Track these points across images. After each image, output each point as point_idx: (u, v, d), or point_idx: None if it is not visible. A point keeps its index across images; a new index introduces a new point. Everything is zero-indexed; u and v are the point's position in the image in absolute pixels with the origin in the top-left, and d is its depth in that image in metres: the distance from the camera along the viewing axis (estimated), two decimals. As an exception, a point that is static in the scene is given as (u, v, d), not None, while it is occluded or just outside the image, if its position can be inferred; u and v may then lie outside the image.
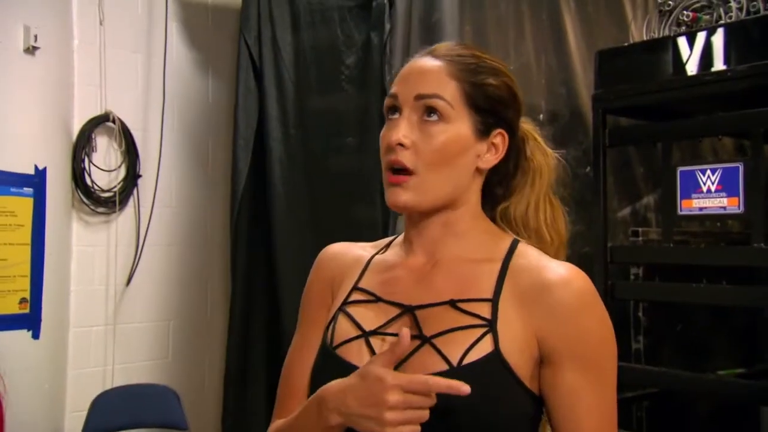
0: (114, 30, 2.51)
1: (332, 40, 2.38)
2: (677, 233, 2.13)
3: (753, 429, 1.93)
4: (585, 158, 2.15)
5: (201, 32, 2.73)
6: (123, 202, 2.54)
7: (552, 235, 0.93)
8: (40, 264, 2.24)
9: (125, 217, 2.56)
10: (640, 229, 2.19)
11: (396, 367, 0.80)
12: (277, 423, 0.94)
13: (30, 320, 2.21)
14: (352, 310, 0.90)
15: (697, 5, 2.00)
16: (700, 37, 1.93)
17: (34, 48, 2.19)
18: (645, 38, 2.13)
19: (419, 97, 0.85)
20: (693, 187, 1.98)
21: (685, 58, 1.97)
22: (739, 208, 1.89)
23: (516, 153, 0.93)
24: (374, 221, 2.32)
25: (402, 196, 0.85)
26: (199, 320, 2.73)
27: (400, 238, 0.96)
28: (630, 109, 2.17)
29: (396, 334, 0.82)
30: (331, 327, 0.90)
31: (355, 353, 0.86)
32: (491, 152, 0.88)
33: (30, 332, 2.21)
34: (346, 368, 0.83)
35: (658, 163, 2.12)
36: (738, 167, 1.90)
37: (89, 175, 2.46)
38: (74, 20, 2.43)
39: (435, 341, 0.82)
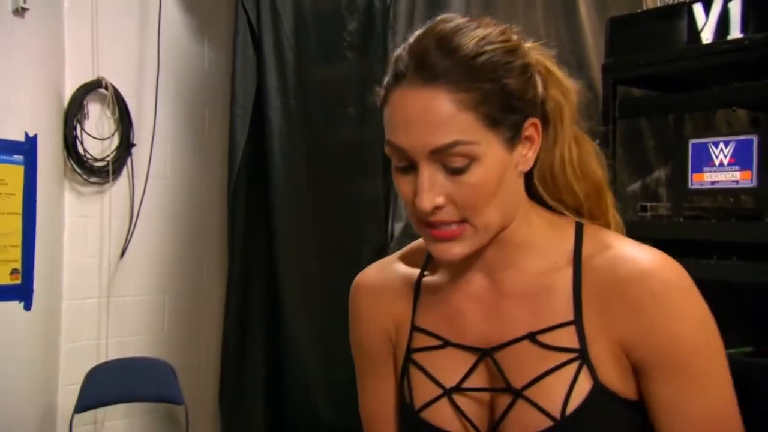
0: (107, -7, 2.42)
1: (334, 5, 2.30)
2: (688, 208, 2.08)
3: (762, 408, 1.89)
4: (596, 131, 2.08)
5: (197, -4, 2.64)
6: (116, 172, 2.47)
7: (588, 188, 0.79)
8: (32, 234, 2.18)
9: (119, 188, 2.49)
10: (648, 204, 2.13)
11: (494, 429, 0.73)
12: None
13: (22, 291, 2.16)
14: (421, 359, 0.80)
15: (715, -30, 1.92)
16: (717, 4, 1.86)
17: (23, 9, 2.10)
18: (659, 5, 2.05)
19: (435, 152, 0.70)
20: (705, 161, 1.92)
21: (700, 26, 1.89)
22: (752, 182, 1.83)
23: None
24: (375, 195, 2.26)
25: (456, 249, 0.73)
26: (196, 294, 2.67)
27: None
28: (642, 80, 2.10)
29: (481, 389, 0.75)
30: (405, 384, 0.80)
31: (444, 417, 0.77)
32: (527, 147, 0.75)
33: (22, 304, 2.16)
34: None
35: (669, 136, 2.05)
36: (752, 140, 1.84)
37: (81, 144, 2.38)
38: (65, -18, 2.34)
39: (527, 393, 0.72)
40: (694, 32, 1.91)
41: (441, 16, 0.76)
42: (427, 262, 0.84)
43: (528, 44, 0.77)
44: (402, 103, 0.71)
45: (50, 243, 2.28)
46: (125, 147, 2.48)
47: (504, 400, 0.74)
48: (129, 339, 2.50)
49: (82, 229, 2.42)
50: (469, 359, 0.77)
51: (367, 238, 2.21)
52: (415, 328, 0.81)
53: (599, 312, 0.73)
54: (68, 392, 2.30)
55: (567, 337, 0.73)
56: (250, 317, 2.46)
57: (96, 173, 2.42)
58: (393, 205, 2.17)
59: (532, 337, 0.74)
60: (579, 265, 0.75)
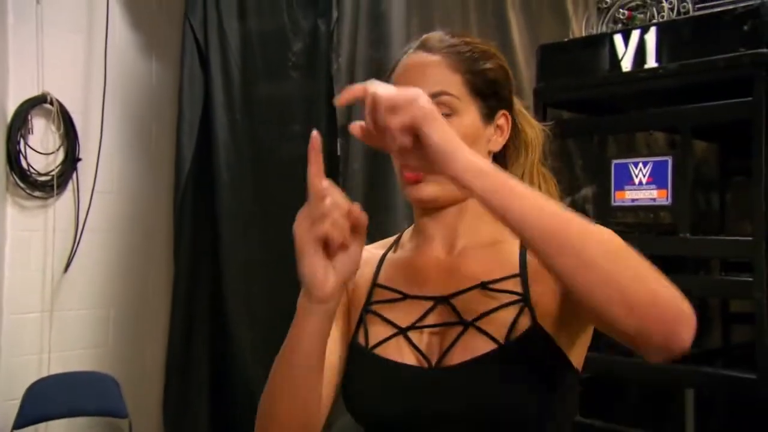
0: (52, 8, 2.43)
1: (279, 27, 2.37)
2: (613, 224, 2.22)
3: (678, 409, 2.04)
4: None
5: (144, 13, 2.67)
6: (61, 186, 2.47)
7: None
8: (-28, 248, 2.16)
9: (63, 202, 2.49)
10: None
11: (445, 353, 0.81)
12: None
13: (-40, 306, 2.14)
14: (379, 309, 0.88)
15: (633, 4, 2.09)
16: (635, 35, 2.02)
17: (-34, 24, 2.10)
18: (584, 34, 2.20)
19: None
20: (626, 180, 2.07)
21: (620, 55, 2.05)
22: (668, 200, 1.98)
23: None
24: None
25: (424, 190, 0.85)
26: (141, 308, 2.68)
27: (407, 234, 0.95)
28: (570, 103, 2.24)
29: (434, 325, 0.84)
30: (361, 329, 0.88)
31: (395, 350, 0.84)
32: (498, 134, 0.89)
33: (-40, 319, 2.14)
34: (386, 365, 0.83)
35: (594, 156, 2.20)
36: (667, 161, 2.00)
37: (25, 158, 2.38)
38: (9, -3, 2.34)
39: (478, 323, 0.82)
40: (615, 60, 2.06)
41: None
42: (396, 243, 0.96)
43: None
44: (404, 65, 0.89)
45: (-9, 257, 2.26)
46: (70, 161, 2.48)
47: (455, 330, 0.82)
48: (72, 353, 2.49)
49: (26, 243, 2.41)
50: (425, 305, 0.86)
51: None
52: (376, 285, 0.91)
53: (542, 272, 0.81)
54: (8, 407, 2.28)
55: (513, 286, 0.84)
56: (195, 329, 2.49)
57: (40, 187, 2.42)
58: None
59: (484, 285, 0.85)
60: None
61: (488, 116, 0.88)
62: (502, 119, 0.90)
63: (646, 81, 1.99)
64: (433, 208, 0.89)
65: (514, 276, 0.85)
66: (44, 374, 2.38)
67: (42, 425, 2.33)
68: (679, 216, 1.96)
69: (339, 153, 2.24)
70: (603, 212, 2.14)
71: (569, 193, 2.48)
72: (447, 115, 0.84)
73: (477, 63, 0.87)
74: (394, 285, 0.89)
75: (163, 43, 2.69)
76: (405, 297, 0.88)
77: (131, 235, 2.66)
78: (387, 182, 2.28)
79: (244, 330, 2.40)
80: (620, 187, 2.07)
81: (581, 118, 2.31)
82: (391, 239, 0.98)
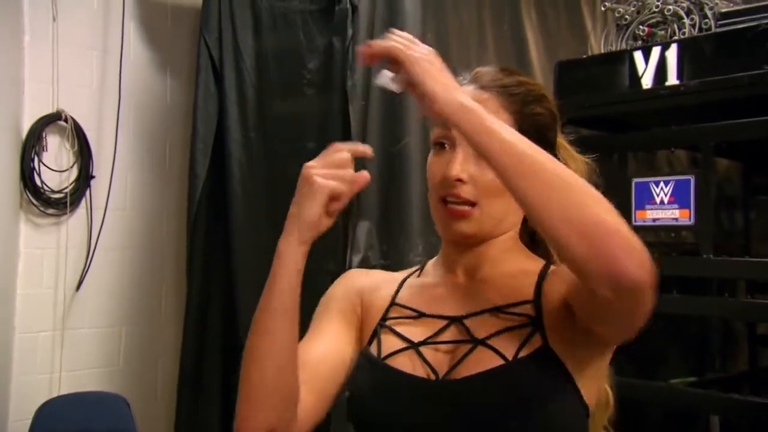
0: (68, 26, 2.43)
1: (294, 44, 2.36)
2: (664, 246, 2.16)
3: (702, 434, 1.98)
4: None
5: (159, 31, 2.67)
6: (74, 204, 2.46)
7: None
8: (-15, 266, 2.15)
9: (77, 220, 2.48)
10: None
11: (453, 368, 0.83)
12: None
13: (-28, 325, 2.13)
14: (395, 325, 0.91)
15: (653, 21, 2.05)
16: (655, 52, 1.99)
17: (-17, 42, 2.11)
18: (603, 51, 2.17)
19: None
20: (647, 199, 2.03)
21: (640, 72, 2.02)
22: (690, 220, 1.94)
23: None
24: (334, 227, 2.29)
25: (466, 227, 0.88)
26: (152, 327, 2.66)
27: (431, 263, 0.98)
28: (588, 120, 2.21)
29: (449, 341, 0.86)
30: (375, 341, 0.91)
31: (406, 362, 0.87)
32: None
33: (-28, 337, 2.12)
34: (397, 375, 0.86)
35: (614, 174, 2.16)
36: (690, 179, 1.95)
37: (39, 176, 2.37)
38: (25, 15, 2.35)
39: (488, 341, 0.84)
40: (635, 77, 2.03)
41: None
42: (419, 270, 0.98)
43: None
44: None
45: (4, 274, 2.25)
46: (84, 179, 2.47)
47: (465, 347, 0.84)
48: (83, 372, 2.47)
49: (38, 260, 2.39)
50: (440, 324, 0.88)
51: (325, 269, 2.24)
52: (394, 304, 0.93)
53: (557, 300, 0.86)
54: (18, 427, 2.25)
55: (525, 310, 0.86)
56: (207, 348, 2.46)
57: (53, 205, 2.41)
58: (351, 237, 2.22)
59: (498, 309, 0.87)
60: (544, 272, 0.90)
61: None
62: None
63: (667, 98, 1.96)
64: (468, 243, 0.91)
65: (527, 302, 0.87)
66: (55, 394, 2.35)
67: (52, 446, 2.30)
68: (702, 236, 1.92)
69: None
70: (623, 232, 2.09)
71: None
72: None
73: (528, 106, 0.89)
74: (411, 304, 0.92)
75: (178, 60, 2.69)
76: (420, 315, 0.90)
77: (144, 253, 2.64)
78: (401, 200, 2.25)
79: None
80: (641, 207, 2.03)
81: (601, 136, 2.28)
82: (415, 268, 1.00)
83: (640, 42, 2.06)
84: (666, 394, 1.92)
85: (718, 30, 1.95)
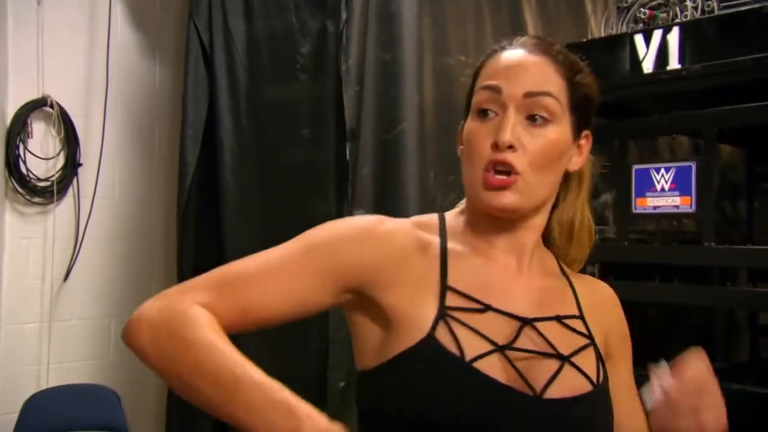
0: (53, 11, 2.36)
1: (287, 28, 2.30)
2: (634, 231, 2.13)
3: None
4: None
5: (147, 15, 2.61)
6: (61, 192, 2.40)
7: (587, 247, 0.93)
8: (-32, 257, 2.10)
9: (64, 208, 2.42)
10: (596, 227, 2.19)
11: (544, 388, 0.79)
12: (212, 330, 0.77)
13: (-44, 317, 2.07)
14: (462, 317, 0.80)
15: (654, 3, 2.01)
16: (656, 35, 1.94)
17: (-36, 25, 2.04)
18: (603, 34, 2.12)
19: (529, 95, 0.81)
20: (647, 186, 1.98)
21: (641, 56, 1.97)
22: (692, 207, 1.90)
23: None
24: (328, 215, 2.25)
25: (507, 198, 0.81)
26: (143, 317, 2.60)
27: (454, 222, 0.87)
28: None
29: (534, 351, 0.82)
30: (446, 337, 0.78)
31: (497, 369, 0.78)
32: (577, 154, 0.87)
33: (-44, 329, 2.07)
34: (493, 384, 0.77)
35: (615, 161, 2.12)
36: (691, 166, 1.91)
37: (24, 163, 2.31)
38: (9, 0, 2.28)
39: (574, 360, 0.82)
40: (636, 62, 1.98)
41: None
42: (443, 230, 0.87)
43: None
44: (509, 56, 0.84)
45: (-11, 265, 2.19)
46: (71, 167, 2.41)
47: (552, 364, 0.81)
48: (72, 365, 2.42)
49: (24, 251, 2.34)
50: (513, 325, 0.82)
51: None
52: (448, 288, 0.81)
53: (591, 310, 0.89)
54: (5, 421, 2.21)
55: (581, 327, 0.86)
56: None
57: (39, 193, 2.35)
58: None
59: (559, 319, 0.85)
60: (569, 280, 0.91)
61: (576, 133, 0.85)
62: (584, 140, 0.87)
63: (668, 83, 1.91)
64: (508, 218, 0.85)
65: (578, 317, 0.87)
66: (43, 387, 2.31)
67: (40, 440, 2.26)
68: (704, 224, 1.88)
69: (348, 158, 2.17)
70: (623, 219, 2.06)
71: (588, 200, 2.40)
72: (544, 120, 0.82)
73: (578, 74, 0.85)
74: (468, 291, 0.82)
75: (167, 44, 2.63)
76: (487, 309, 0.81)
77: (133, 243, 2.59)
78: (397, 187, 2.20)
79: (247, 340, 2.31)
80: (641, 194, 1.99)
81: (600, 122, 2.20)
82: (431, 221, 0.88)
83: (641, 25, 2.02)
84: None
85: (721, 12, 1.91)
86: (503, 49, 0.85)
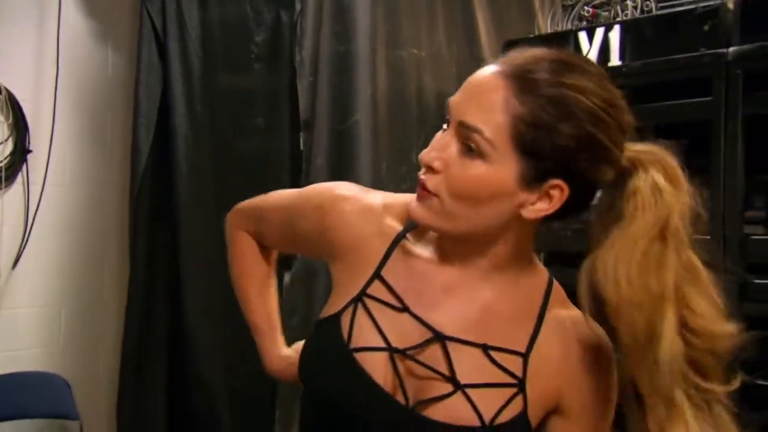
0: (1, -7, 2.32)
1: (241, 17, 2.31)
2: (577, 221, 2.22)
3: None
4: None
5: (99, 0, 2.57)
6: (10, 179, 2.36)
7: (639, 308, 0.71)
8: None
9: (12, 195, 2.39)
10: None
11: (420, 404, 0.76)
12: (242, 256, 1.11)
13: None
14: (374, 308, 0.81)
15: (597, 2, 2.09)
16: (599, 33, 2.02)
17: None
18: (549, 30, 2.20)
19: (462, 125, 0.75)
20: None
21: (585, 52, 2.05)
22: (631, 198, 1.99)
23: (612, 192, 0.76)
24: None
25: (421, 211, 0.78)
26: (94, 306, 2.59)
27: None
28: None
29: (430, 367, 0.78)
30: (347, 320, 0.81)
31: (379, 369, 0.79)
32: (544, 201, 0.75)
33: None
34: (367, 383, 0.78)
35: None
36: (631, 159, 2.01)
37: (-30, 149, 2.27)
38: (-47, -21, 2.23)
39: (468, 391, 0.76)
40: (580, 58, 2.06)
41: (577, 53, 0.82)
42: (411, 226, 0.85)
43: (641, 146, 0.78)
44: (476, 75, 0.77)
45: (-67, 252, 2.15)
46: (20, 153, 2.37)
47: (443, 386, 0.77)
48: (20, 353, 2.39)
49: (-30, 238, 2.30)
50: (423, 335, 0.79)
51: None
52: (377, 276, 0.83)
53: (550, 355, 0.80)
54: (-49, 410, 2.17)
55: (514, 364, 0.78)
56: (151, 328, 2.41)
57: (-14, 180, 2.31)
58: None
59: (485, 348, 0.79)
60: (544, 312, 0.82)
61: (533, 180, 0.73)
62: (556, 190, 0.74)
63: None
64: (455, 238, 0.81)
65: (518, 354, 0.79)
66: (-10, 375, 2.28)
67: (-13, 428, 2.23)
68: (641, 214, 1.97)
69: (302, 148, 2.19)
70: (567, 210, 2.14)
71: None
72: (476, 153, 0.73)
73: (547, 117, 0.71)
74: (397, 288, 0.82)
75: (120, 30, 2.60)
76: (405, 310, 0.81)
77: (85, 231, 2.56)
78: (350, 178, 2.24)
79: (202, 329, 2.33)
80: (584, 185, 2.07)
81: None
82: (406, 212, 0.85)
83: (584, 23, 2.10)
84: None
85: (659, 12, 2.00)
86: (490, 62, 0.78)
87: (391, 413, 0.78)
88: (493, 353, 0.78)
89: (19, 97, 2.36)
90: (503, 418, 0.76)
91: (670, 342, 0.70)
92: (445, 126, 0.78)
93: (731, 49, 1.76)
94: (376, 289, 0.83)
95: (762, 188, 2.37)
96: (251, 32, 2.30)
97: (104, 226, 2.60)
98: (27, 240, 2.39)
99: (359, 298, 0.82)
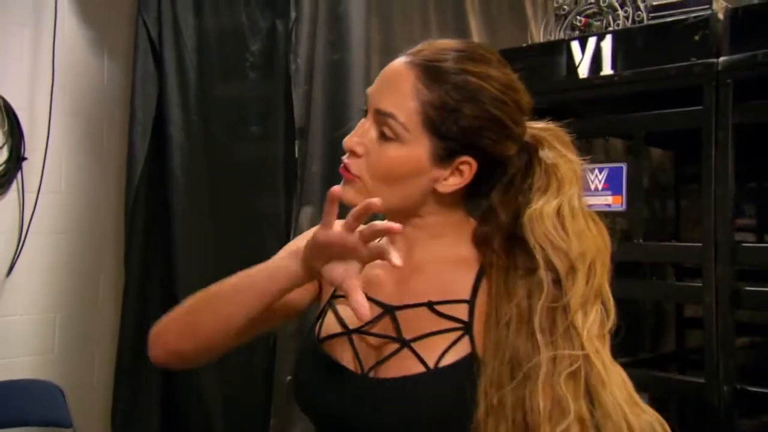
0: (-2, 1, 2.33)
1: (237, 26, 2.33)
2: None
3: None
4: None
5: (95, 8, 2.58)
6: (5, 186, 2.36)
7: (569, 253, 0.81)
8: None
9: (7, 203, 2.39)
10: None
11: (378, 364, 0.84)
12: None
13: None
14: (339, 305, 0.91)
15: (590, 11, 2.11)
16: (591, 42, 2.03)
17: None
18: (542, 40, 2.22)
19: (378, 112, 0.84)
20: (583, 185, 2.08)
21: (577, 62, 2.06)
22: (622, 206, 2.00)
23: (526, 163, 0.86)
24: (277, 211, 2.29)
25: (347, 192, 0.84)
26: (89, 313, 2.59)
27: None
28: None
29: (378, 335, 0.86)
30: (320, 320, 0.93)
31: (339, 350, 0.88)
32: (455, 176, 0.84)
33: None
34: (328, 362, 0.87)
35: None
36: (622, 167, 2.02)
37: (-34, 156, 2.28)
38: (-50, -12, 2.24)
39: (413, 345, 0.83)
40: (573, 67, 2.07)
41: (480, 43, 0.90)
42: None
43: (539, 124, 0.90)
44: (388, 67, 0.86)
45: (-72, 260, 2.15)
46: (15, 160, 2.38)
47: (392, 346, 0.84)
48: (14, 360, 2.39)
49: (-35, 245, 2.30)
50: (375, 311, 0.87)
51: (269, 254, 2.23)
52: None
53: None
54: (-56, 418, 2.17)
55: (459, 311, 0.84)
56: (146, 336, 2.41)
57: (-19, 187, 2.31)
58: (294, 223, 2.21)
59: (430, 305, 0.85)
60: (484, 267, 0.87)
61: (444, 157, 0.83)
62: (465, 166, 0.84)
63: (601, 88, 2.01)
64: (396, 217, 0.87)
65: (462, 301, 0.84)
66: (-16, 383, 2.27)
67: (-19, 436, 2.23)
68: (633, 222, 1.99)
69: (297, 155, 2.21)
70: (560, 217, 2.15)
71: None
72: (390, 138, 0.82)
73: (452, 101, 0.81)
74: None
75: (115, 39, 2.61)
76: None
77: (80, 238, 2.57)
78: (345, 185, 2.25)
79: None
80: (576, 193, 2.09)
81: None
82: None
83: (577, 32, 2.12)
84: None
85: (650, 22, 2.02)
86: (398, 55, 0.86)
87: (352, 384, 0.85)
88: (438, 307, 0.84)
89: (14, 104, 2.37)
90: (448, 360, 0.81)
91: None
92: (365, 114, 0.86)
93: (721, 58, 1.77)
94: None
95: (752, 196, 2.39)
96: (246, 41, 2.31)
97: (99, 234, 2.61)
98: (22, 247, 2.39)
99: (329, 303, 0.94)
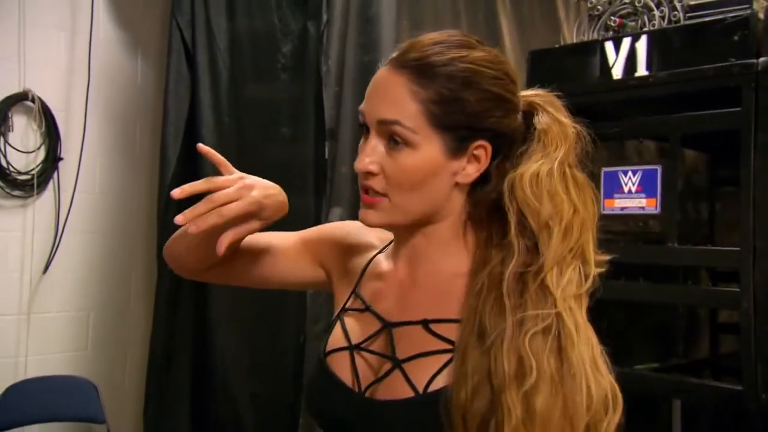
0: (36, 4, 2.38)
1: (268, 28, 2.35)
2: (602, 231, 2.20)
3: (666, 419, 2.02)
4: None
5: (130, 11, 2.63)
6: (42, 186, 2.42)
7: (546, 215, 0.78)
8: (-52, 248, 2.11)
9: (44, 202, 2.44)
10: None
11: (368, 387, 0.84)
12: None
13: (-65, 308, 2.08)
14: (346, 318, 0.91)
15: (624, 12, 2.08)
16: (626, 43, 2.00)
17: (-54, 18, 2.06)
18: (575, 41, 2.19)
19: (381, 123, 0.81)
20: (615, 188, 2.05)
21: (611, 62, 2.04)
22: (657, 209, 1.97)
23: (524, 131, 0.84)
24: (307, 212, 2.30)
25: (371, 216, 0.83)
26: (122, 311, 2.63)
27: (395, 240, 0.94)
28: (559, 110, 2.22)
29: (375, 352, 0.86)
30: (330, 333, 0.93)
31: (340, 365, 0.88)
32: (473, 164, 0.83)
33: (-66, 320, 2.08)
34: (331, 379, 0.87)
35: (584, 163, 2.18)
36: (656, 169, 1.99)
37: (5, 156, 2.33)
38: (-9, -8, 2.30)
39: (405, 366, 0.82)
40: (606, 68, 2.05)
41: (452, 30, 0.86)
42: (388, 244, 0.94)
43: (530, 91, 0.88)
44: (375, 78, 0.84)
45: (-32, 257, 2.21)
46: (52, 160, 2.43)
47: (386, 366, 0.83)
48: (50, 356, 2.44)
49: (4, 243, 2.35)
50: (376, 326, 0.87)
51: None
52: (354, 293, 0.93)
53: None
54: (-17, 412, 2.22)
55: (451, 332, 0.81)
56: (177, 333, 2.45)
57: (19, 186, 2.36)
58: (324, 221, 2.22)
59: (425, 323, 0.84)
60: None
61: (457, 148, 0.81)
62: (479, 150, 0.82)
63: (636, 89, 1.98)
64: (404, 229, 0.88)
65: (456, 321, 0.81)
66: (21, 378, 2.32)
67: (17, 430, 2.28)
68: (668, 225, 1.95)
69: (327, 156, 2.21)
70: (592, 220, 2.12)
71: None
72: (402, 144, 0.80)
73: (449, 91, 0.79)
74: (364, 294, 0.92)
75: (150, 42, 2.66)
76: (366, 309, 0.90)
77: (113, 237, 2.61)
78: (375, 187, 2.25)
79: (227, 334, 2.36)
80: (609, 195, 2.06)
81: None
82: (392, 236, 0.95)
83: (611, 33, 2.09)
84: (630, 379, 1.96)
85: (687, 22, 1.98)
86: (381, 65, 0.84)
87: (350, 403, 0.85)
88: (432, 326, 0.83)
89: (51, 106, 2.42)
90: (437, 384, 0.79)
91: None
92: (365, 132, 0.84)
93: (762, 59, 1.73)
94: (351, 302, 0.93)
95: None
96: (278, 43, 2.33)
97: (132, 233, 2.65)
98: (57, 246, 2.44)
99: (338, 316, 0.93)
